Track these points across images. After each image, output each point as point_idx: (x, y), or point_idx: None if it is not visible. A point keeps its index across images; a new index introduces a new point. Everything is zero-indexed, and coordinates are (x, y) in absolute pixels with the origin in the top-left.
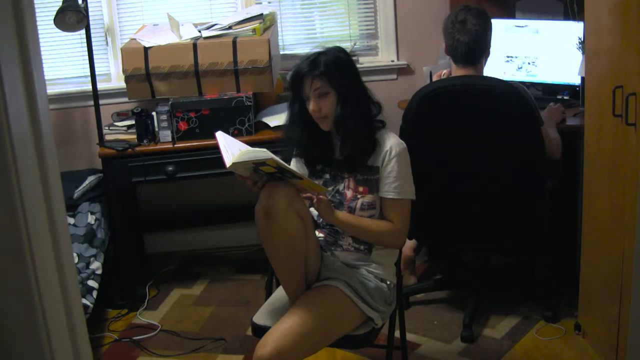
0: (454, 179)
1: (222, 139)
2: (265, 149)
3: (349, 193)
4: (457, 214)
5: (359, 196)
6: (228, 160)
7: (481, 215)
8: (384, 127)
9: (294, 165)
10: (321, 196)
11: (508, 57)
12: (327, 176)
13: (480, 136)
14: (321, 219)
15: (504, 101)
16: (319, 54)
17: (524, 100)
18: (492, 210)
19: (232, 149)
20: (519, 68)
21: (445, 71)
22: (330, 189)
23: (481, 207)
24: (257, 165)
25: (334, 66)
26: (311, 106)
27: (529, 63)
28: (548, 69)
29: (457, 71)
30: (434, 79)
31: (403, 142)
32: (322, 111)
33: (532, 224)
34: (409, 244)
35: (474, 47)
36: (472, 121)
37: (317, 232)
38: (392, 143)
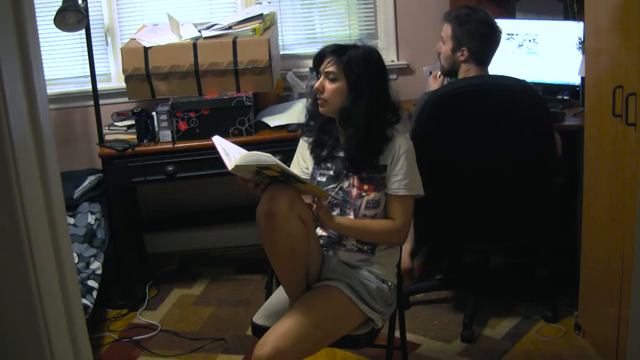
0: (469, 179)
1: (220, 143)
2: (269, 154)
3: (354, 191)
4: (471, 214)
5: (363, 194)
6: (229, 163)
7: (494, 214)
8: (392, 126)
9: (296, 161)
10: (322, 201)
11: (508, 34)
12: (331, 172)
13: (496, 135)
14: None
15: (522, 99)
16: (351, 45)
17: (540, 98)
18: (505, 209)
19: (231, 152)
20: (519, 45)
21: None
22: (333, 186)
23: (495, 206)
24: (260, 168)
25: (359, 61)
26: (317, 83)
27: (529, 40)
28: (548, 69)
29: (471, 72)
30: (430, 80)
31: (410, 139)
32: (324, 93)
33: (546, 222)
34: (405, 251)
35: (496, 49)
36: (490, 120)
37: (321, 231)
38: (400, 141)
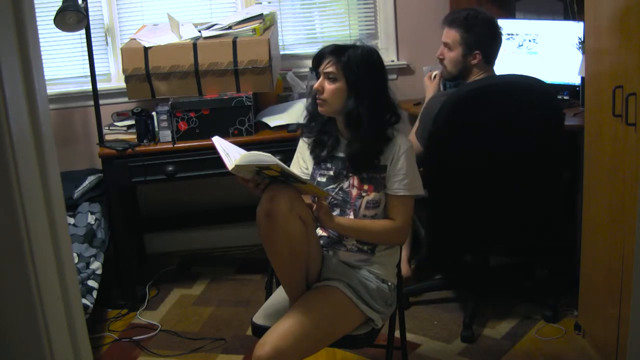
0: (485, 179)
1: (220, 143)
2: (269, 154)
3: (354, 191)
4: (485, 215)
5: (363, 194)
6: (229, 164)
7: (508, 214)
8: (392, 126)
9: (296, 162)
10: (322, 202)
11: (509, 34)
12: (331, 173)
13: (514, 133)
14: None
15: (540, 96)
16: (351, 45)
17: (555, 93)
18: (518, 208)
19: (231, 152)
20: (519, 46)
21: (436, 72)
22: (333, 186)
23: (508, 206)
24: (260, 168)
25: (358, 61)
26: (317, 84)
27: (529, 40)
28: (548, 69)
29: (482, 74)
30: (425, 81)
31: (410, 139)
32: (323, 94)
33: (553, 220)
34: (403, 259)
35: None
36: (510, 119)
37: (321, 231)
38: (399, 141)
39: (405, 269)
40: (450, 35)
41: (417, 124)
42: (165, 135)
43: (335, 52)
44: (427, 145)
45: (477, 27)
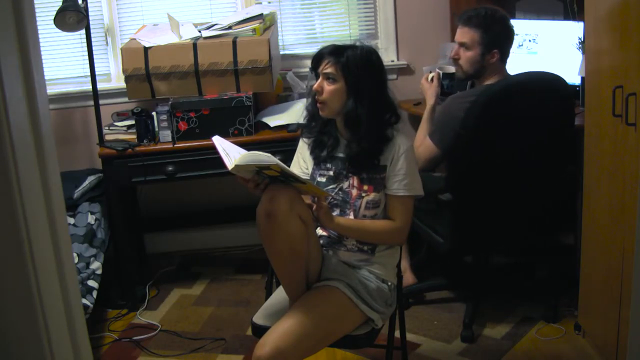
0: (512, 178)
1: (220, 143)
2: (269, 154)
3: (354, 192)
4: (502, 214)
5: (363, 194)
6: (229, 163)
7: (523, 212)
8: (392, 127)
9: (296, 162)
10: (322, 202)
11: None
12: (331, 173)
13: (533, 129)
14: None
15: (559, 91)
16: (349, 45)
17: (571, 88)
18: (531, 206)
19: (231, 152)
20: (519, 46)
21: (433, 73)
22: (332, 186)
23: (523, 204)
24: (260, 168)
25: (357, 62)
26: (316, 84)
27: (529, 40)
28: (548, 69)
29: (499, 72)
30: (423, 83)
31: (410, 140)
32: (322, 94)
33: (561, 217)
34: (406, 269)
35: None
36: (531, 116)
37: (321, 231)
38: (399, 141)
39: (409, 276)
40: (468, 34)
41: (427, 127)
42: (165, 135)
43: (334, 52)
44: (454, 147)
45: (495, 25)
